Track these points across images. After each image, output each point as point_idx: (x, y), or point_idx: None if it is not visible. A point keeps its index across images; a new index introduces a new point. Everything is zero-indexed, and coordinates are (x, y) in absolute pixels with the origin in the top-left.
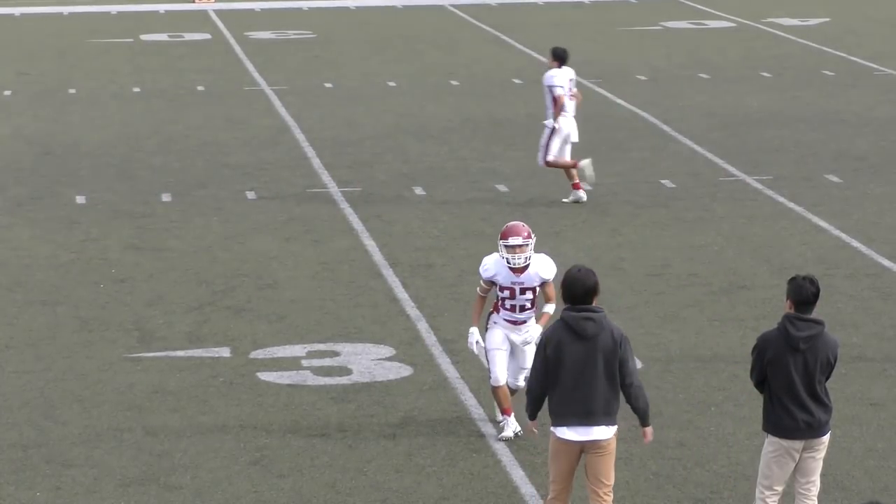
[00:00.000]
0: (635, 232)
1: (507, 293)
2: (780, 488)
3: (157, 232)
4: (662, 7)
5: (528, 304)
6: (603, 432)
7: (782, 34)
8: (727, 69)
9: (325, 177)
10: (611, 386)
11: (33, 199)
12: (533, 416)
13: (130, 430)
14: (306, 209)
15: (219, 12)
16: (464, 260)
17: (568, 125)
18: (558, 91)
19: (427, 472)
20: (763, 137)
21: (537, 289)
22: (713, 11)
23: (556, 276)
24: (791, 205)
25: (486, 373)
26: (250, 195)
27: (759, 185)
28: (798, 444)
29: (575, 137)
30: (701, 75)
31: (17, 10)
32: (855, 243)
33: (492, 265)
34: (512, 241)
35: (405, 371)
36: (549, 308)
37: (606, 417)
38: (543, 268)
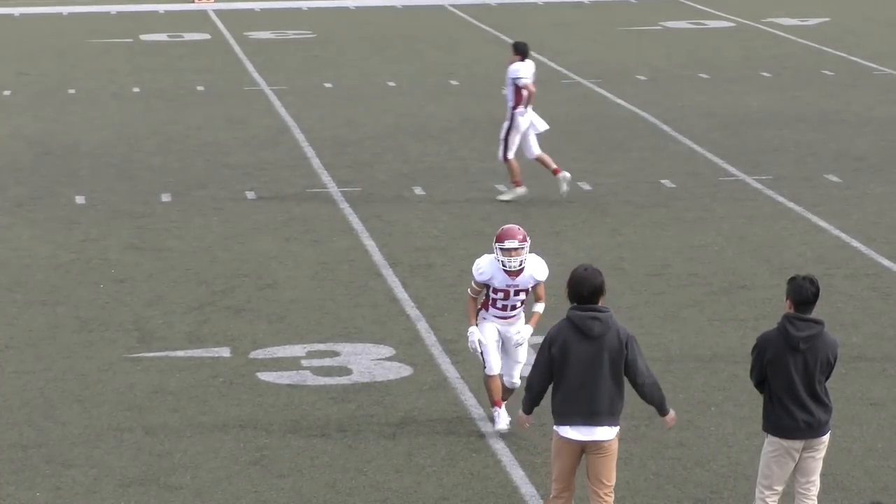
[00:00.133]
0: (635, 232)
1: (500, 294)
2: (779, 488)
3: (156, 232)
4: (662, 7)
5: (520, 304)
6: (606, 433)
7: (782, 34)
8: (727, 69)
9: (325, 177)
10: (616, 386)
11: (33, 199)
12: (528, 411)
13: (130, 430)
14: (306, 209)
15: (218, 12)
16: (464, 260)
17: (525, 120)
18: (523, 82)
19: (427, 472)
20: (763, 137)
21: (530, 289)
22: (713, 11)
23: (549, 277)
24: (791, 205)
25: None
26: (250, 195)
27: (759, 185)
28: (798, 444)
29: (541, 128)
30: (701, 75)
31: (16, 10)
32: (855, 243)
33: (486, 268)
34: (508, 244)
35: (405, 371)
36: (540, 307)
37: (610, 418)
38: (537, 270)
